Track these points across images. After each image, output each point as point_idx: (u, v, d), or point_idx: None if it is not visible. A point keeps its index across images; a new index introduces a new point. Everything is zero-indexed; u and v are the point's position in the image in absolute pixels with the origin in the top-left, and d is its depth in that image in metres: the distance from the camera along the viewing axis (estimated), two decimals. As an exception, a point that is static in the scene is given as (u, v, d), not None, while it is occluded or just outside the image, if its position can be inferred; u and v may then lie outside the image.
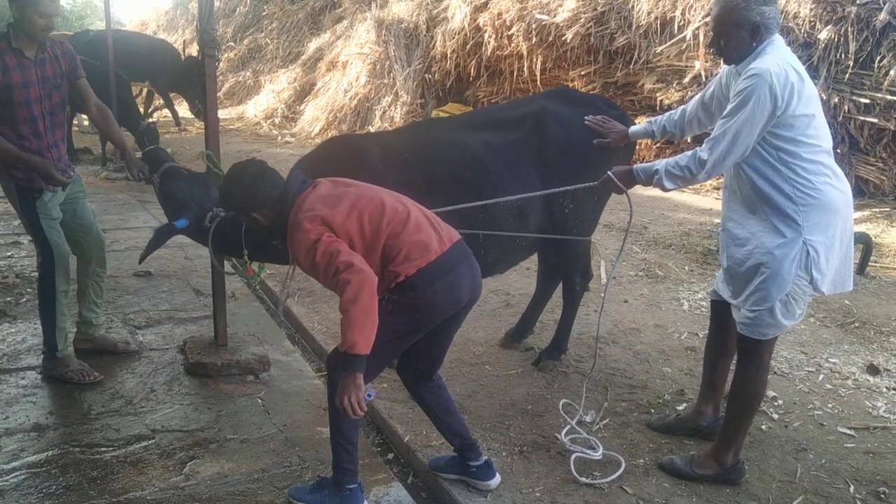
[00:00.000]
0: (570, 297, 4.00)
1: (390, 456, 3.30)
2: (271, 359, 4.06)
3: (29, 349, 4.05)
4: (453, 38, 11.79)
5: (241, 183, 2.61)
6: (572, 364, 4.02)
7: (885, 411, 3.58)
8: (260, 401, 3.66)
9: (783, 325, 2.77)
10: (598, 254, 4.24)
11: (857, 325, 4.72)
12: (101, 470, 3.00)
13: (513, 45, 10.89)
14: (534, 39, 10.44)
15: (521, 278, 5.30)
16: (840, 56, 7.81)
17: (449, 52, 11.91)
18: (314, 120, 13.06)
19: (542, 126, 3.62)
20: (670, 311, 4.91)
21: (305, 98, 14.21)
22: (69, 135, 8.66)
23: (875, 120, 7.76)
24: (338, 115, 12.80)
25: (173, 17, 23.68)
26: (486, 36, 11.24)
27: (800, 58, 2.78)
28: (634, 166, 2.99)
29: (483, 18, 11.26)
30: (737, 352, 2.95)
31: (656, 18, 9.15)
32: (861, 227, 6.58)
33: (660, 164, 2.86)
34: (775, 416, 3.50)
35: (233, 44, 18.08)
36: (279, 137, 12.85)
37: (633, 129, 3.53)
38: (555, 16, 10.11)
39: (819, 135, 2.69)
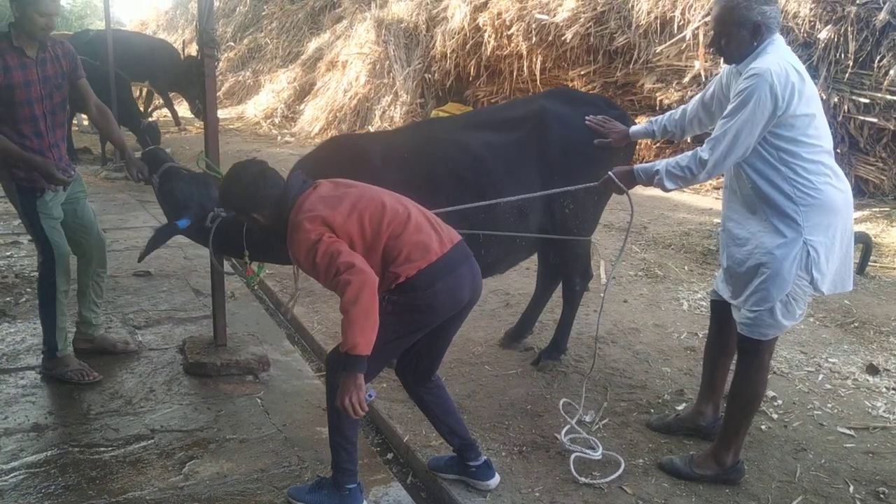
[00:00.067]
0: (569, 297, 3.99)
1: (389, 456, 3.30)
2: (271, 359, 4.06)
3: (28, 349, 4.05)
4: (453, 37, 11.79)
5: (242, 183, 2.61)
6: (572, 364, 4.01)
7: (884, 411, 3.58)
8: (259, 401, 3.66)
9: (783, 325, 2.77)
10: (597, 254, 4.24)
11: (856, 324, 4.72)
12: (101, 470, 3.00)
13: (512, 44, 10.89)
14: (533, 39, 10.45)
15: (521, 278, 5.30)
16: (840, 56, 7.81)
17: (448, 52, 11.92)
18: (314, 120, 13.07)
19: (543, 126, 3.62)
20: (670, 311, 4.91)
21: (305, 98, 14.21)
22: (69, 135, 8.65)
23: (875, 120, 7.76)
24: (337, 114, 12.80)
25: (173, 16, 23.69)
26: (486, 36, 11.25)
27: (800, 57, 2.77)
28: (635, 166, 2.99)
29: (483, 18, 11.27)
30: (737, 352, 2.94)
31: (656, 18, 9.15)
32: (861, 227, 6.58)
33: (660, 164, 2.86)
34: (775, 416, 3.50)
35: (232, 43, 18.08)
36: (279, 137, 12.86)
37: (633, 129, 3.53)
38: (554, 15, 10.11)
39: (820, 135, 2.68)
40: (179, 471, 3.02)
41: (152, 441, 3.23)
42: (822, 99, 3.02)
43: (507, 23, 10.78)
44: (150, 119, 9.88)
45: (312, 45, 15.52)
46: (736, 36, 2.70)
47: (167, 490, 2.88)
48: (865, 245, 5.73)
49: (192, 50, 12.65)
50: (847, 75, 7.80)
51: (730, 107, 2.67)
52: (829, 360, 4.17)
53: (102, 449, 3.15)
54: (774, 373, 3.90)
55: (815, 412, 3.56)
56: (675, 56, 9.07)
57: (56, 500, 2.80)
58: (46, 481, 2.90)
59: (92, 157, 10.00)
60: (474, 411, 3.48)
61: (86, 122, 12.14)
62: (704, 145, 2.73)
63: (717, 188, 8.53)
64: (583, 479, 2.92)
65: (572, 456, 3.01)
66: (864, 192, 7.98)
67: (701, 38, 8.66)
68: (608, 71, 10.08)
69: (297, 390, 3.81)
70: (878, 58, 7.67)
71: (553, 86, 10.18)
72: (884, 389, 3.82)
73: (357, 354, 2.35)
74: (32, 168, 3.43)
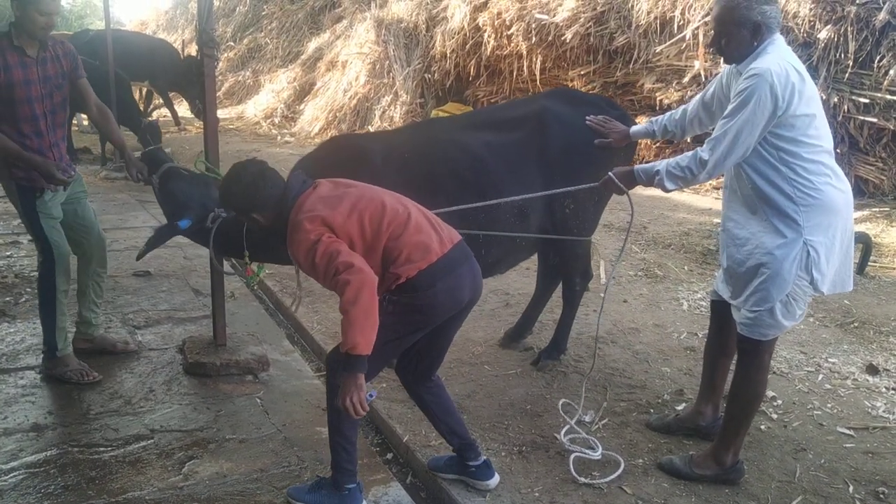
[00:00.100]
0: (569, 298, 3.99)
1: (389, 456, 3.30)
2: (270, 359, 4.06)
3: (28, 349, 4.05)
4: (453, 37, 11.79)
5: (242, 183, 2.61)
6: (571, 364, 4.01)
7: (884, 411, 3.58)
8: (259, 401, 3.66)
9: (783, 325, 2.77)
10: (598, 254, 4.24)
11: (856, 324, 4.72)
12: (100, 470, 2.99)
13: (512, 44, 10.89)
14: (533, 39, 10.45)
15: (521, 278, 5.30)
16: (839, 56, 7.81)
17: (448, 52, 11.91)
18: (314, 119, 13.07)
19: (544, 126, 3.62)
20: (669, 311, 4.91)
21: (305, 98, 14.21)
22: (69, 134, 8.65)
23: (874, 119, 7.76)
24: (337, 114, 12.80)
25: (173, 16, 23.68)
26: (486, 35, 11.25)
27: (799, 57, 2.78)
28: (635, 167, 2.99)
29: (482, 18, 11.26)
30: (737, 352, 2.94)
31: (656, 18, 9.15)
32: (861, 227, 6.58)
33: (661, 164, 2.86)
34: (774, 416, 3.50)
35: (232, 43, 18.08)
36: (279, 137, 12.86)
37: (634, 129, 3.53)
38: (554, 15, 10.11)
39: (820, 135, 2.68)
40: (179, 471, 3.01)
41: (152, 441, 3.23)
42: (821, 99, 3.01)
43: (507, 23, 10.78)
44: (150, 118, 9.87)
45: (312, 45, 15.52)
46: (736, 36, 2.70)
47: (167, 490, 2.88)
48: (865, 245, 5.73)
49: (192, 50, 12.66)
50: (847, 75, 7.80)
51: (730, 107, 2.67)
52: (829, 360, 4.17)
53: (102, 449, 3.15)
54: (774, 373, 3.90)
55: (815, 412, 3.56)
56: (674, 56, 9.07)
57: (55, 499, 2.80)
58: (46, 481, 2.90)
59: (92, 157, 10.00)
60: (474, 411, 3.48)
61: (85, 122, 12.14)
62: (705, 145, 2.72)
63: (717, 188, 8.53)
64: (582, 479, 2.92)
65: (572, 456, 3.01)
66: (863, 192, 7.98)
67: (701, 37, 8.66)
68: (608, 71, 10.08)
69: (297, 390, 3.81)
70: (878, 58, 7.67)
71: (553, 86, 10.18)
72: (883, 389, 3.82)
73: (357, 354, 2.35)
74: (32, 168, 3.43)
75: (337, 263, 2.37)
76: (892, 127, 7.71)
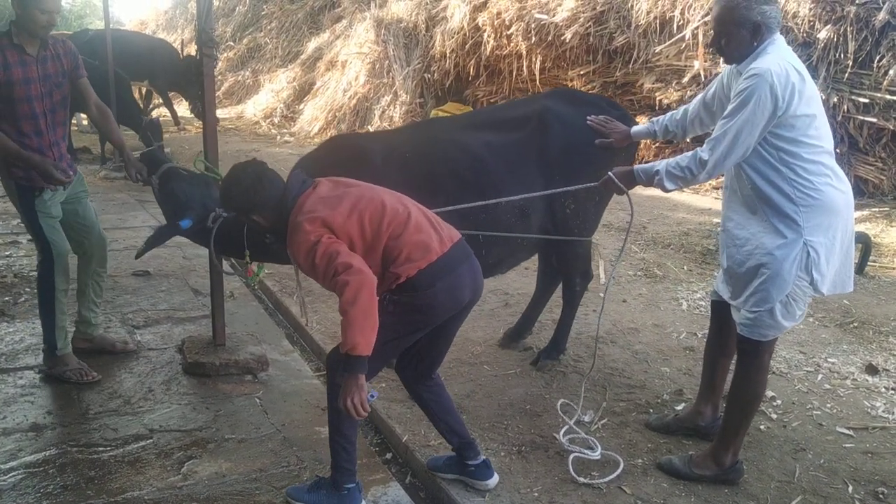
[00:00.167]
0: (569, 298, 3.99)
1: (388, 456, 3.30)
2: (270, 358, 4.06)
3: (27, 349, 4.05)
4: (452, 37, 11.79)
5: (241, 185, 2.61)
6: (571, 364, 4.01)
7: (883, 411, 3.58)
8: (258, 400, 3.66)
9: (783, 326, 2.77)
10: (598, 254, 4.24)
11: (855, 324, 4.72)
12: (99, 470, 2.99)
13: (512, 44, 10.89)
14: (533, 39, 10.44)
15: (520, 278, 5.30)
16: (839, 56, 7.81)
17: (448, 52, 11.91)
18: (313, 119, 13.07)
19: (545, 126, 3.62)
20: (669, 311, 4.91)
21: (304, 97, 14.21)
22: (68, 133, 8.65)
23: (874, 119, 7.76)
24: (337, 114, 12.80)
25: (172, 16, 23.67)
26: (486, 35, 11.24)
27: (799, 57, 2.77)
28: (635, 167, 2.99)
29: (482, 18, 11.26)
30: (737, 352, 2.94)
31: (655, 18, 9.15)
32: (860, 227, 6.57)
33: (660, 164, 2.85)
34: (774, 416, 3.50)
35: (232, 43, 18.08)
36: (278, 137, 12.86)
37: (635, 129, 3.53)
38: (554, 15, 10.11)
39: (820, 135, 2.68)
40: (178, 471, 3.01)
41: (151, 441, 3.22)
42: (821, 99, 3.00)
43: (507, 22, 10.78)
44: (151, 116, 9.86)
45: (312, 45, 15.52)
46: (736, 36, 2.70)
47: (166, 490, 2.88)
48: (865, 245, 5.73)
49: (192, 49, 12.66)
50: (846, 75, 7.80)
51: (730, 107, 2.67)
52: (829, 360, 4.17)
53: (101, 449, 3.15)
54: (773, 373, 3.90)
55: (815, 412, 3.56)
56: (674, 56, 9.07)
57: (54, 499, 2.80)
58: (45, 481, 2.90)
59: (91, 156, 10.00)
60: (473, 411, 3.48)
61: (85, 122, 12.14)
62: (704, 145, 2.72)
63: (717, 188, 8.53)
64: (581, 479, 2.92)
65: (571, 456, 3.01)
66: (863, 192, 7.98)
67: (700, 37, 8.66)
68: (608, 71, 10.07)
69: (296, 390, 3.80)
70: (878, 58, 7.67)
71: (552, 86, 10.18)
72: (883, 389, 3.82)
73: (357, 355, 2.35)
74: (31, 167, 3.43)
75: (336, 264, 2.37)
76: (891, 127, 7.71)
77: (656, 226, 7.12)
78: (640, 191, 3.20)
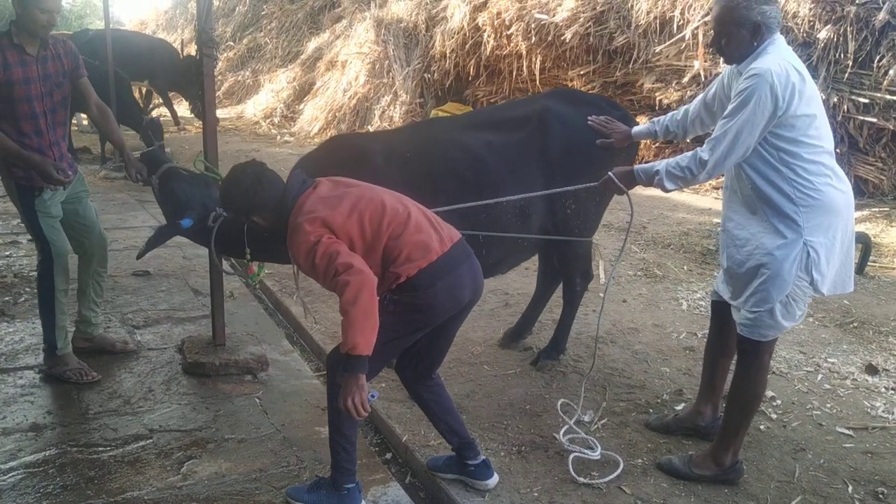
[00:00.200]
0: (570, 298, 3.99)
1: (388, 456, 3.30)
2: (269, 358, 4.06)
3: (27, 349, 4.05)
4: (452, 37, 11.79)
5: (241, 186, 2.61)
6: (571, 364, 4.01)
7: (883, 411, 3.58)
8: (258, 400, 3.66)
9: (783, 326, 2.77)
10: (598, 254, 4.23)
11: (855, 324, 4.72)
12: (99, 470, 2.99)
13: (512, 44, 10.89)
14: (533, 39, 10.44)
15: (520, 278, 5.30)
16: (839, 56, 7.81)
17: (448, 52, 11.91)
18: (313, 119, 13.07)
19: (546, 126, 3.61)
20: (669, 311, 4.91)
21: (304, 97, 14.21)
22: (69, 134, 8.65)
23: (874, 119, 7.76)
24: (337, 114, 12.80)
25: (172, 16, 23.68)
26: (485, 35, 11.24)
27: (799, 57, 2.77)
28: (635, 167, 2.98)
29: (482, 18, 11.26)
30: (737, 353, 2.94)
31: (655, 18, 9.15)
32: (860, 227, 6.58)
33: (660, 164, 2.85)
34: (774, 416, 3.50)
35: (232, 43, 18.08)
36: (278, 137, 12.86)
37: (636, 129, 3.52)
38: (554, 15, 10.11)
39: (820, 135, 2.68)
40: (178, 470, 3.01)
41: (151, 441, 3.22)
42: (821, 99, 3.00)
43: (507, 22, 10.78)
44: (151, 115, 9.87)
45: (312, 45, 15.52)
46: (736, 36, 2.70)
47: (165, 490, 2.88)
48: (865, 245, 5.73)
49: (192, 49, 12.66)
50: (846, 75, 7.80)
51: (730, 107, 2.66)
52: (829, 360, 4.17)
53: (101, 449, 3.15)
54: (773, 373, 3.90)
55: (814, 412, 3.56)
56: (674, 56, 9.07)
57: (54, 499, 2.80)
58: (45, 481, 2.90)
59: (91, 156, 10.00)
60: (473, 411, 3.48)
61: (85, 122, 12.14)
62: (705, 145, 2.72)
63: (717, 188, 8.53)
64: (581, 479, 2.92)
65: (571, 456, 3.01)
66: (863, 192, 7.98)
67: (700, 37, 8.66)
68: (608, 71, 10.08)
69: (296, 390, 3.80)
70: (878, 58, 7.67)
71: (552, 86, 10.18)
72: (883, 389, 3.82)
73: (358, 355, 2.34)
74: (29, 167, 3.43)
75: (336, 264, 2.37)
76: (891, 127, 7.71)
77: (656, 226, 7.12)
78: (640, 191, 3.20)
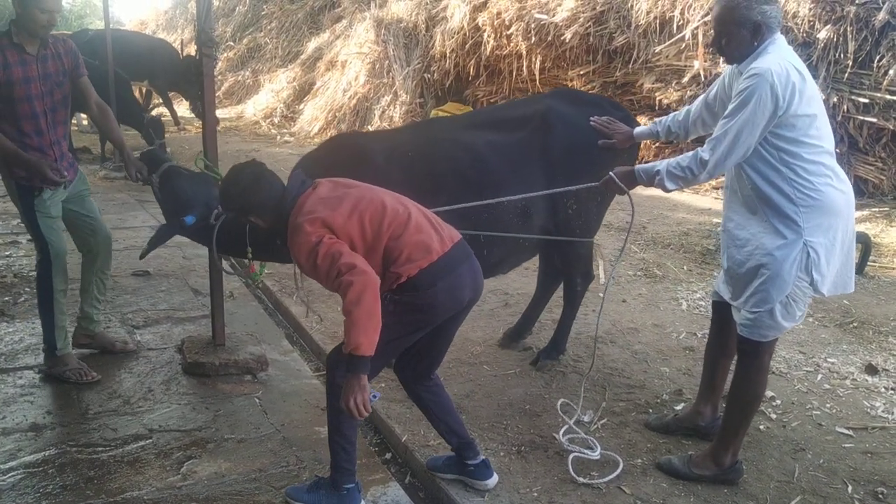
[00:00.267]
0: (570, 298, 3.99)
1: (388, 456, 3.30)
2: (269, 358, 4.05)
3: (27, 349, 4.05)
4: (452, 37, 11.78)
5: (239, 186, 2.61)
6: (570, 364, 4.01)
7: (883, 411, 3.58)
8: (258, 400, 3.66)
9: (783, 326, 2.77)
10: (599, 254, 4.23)
11: (855, 324, 4.72)
12: (99, 470, 2.99)
13: (512, 44, 10.88)
14: (533, 39, 10.44)
15: (520, 278, 5.30)
16: (839, 56, 7.81)
17: (448, 52, 11.91)
18: (313, 119, 13.07)
19: (548, 126, 3.61)
20: (668, 311, 4.91)
21: (304, 97, 14.21)
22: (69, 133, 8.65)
23: (874, 119, 7.76)
24: (337, 114, 12.80)
25: (172, 16, 23.68)
26: (485, 35, 11.24)
27: (799, 57, 2.77)
28: (636, 167, 2.98)
29: (482, 18, 11.26)
30: (737, 353, 2.94)
31: (655, 18, 9.14)
32: (860, 227, 6.57)
33: (661, 164, 2.85)
34: (773, 416, 3.50)
35: (232, 43, 18.08)
36: (278, 137, 12.86)
37: (637, 130, 3.52)
38: (554, 15, 10.11)
39: (821, 135, 2.68)
40: (177, 470, 3.01)
41: (150, 441, 3.22)
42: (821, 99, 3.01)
43: (507, 22, 10.77)
44: (152, 112, 9.87)
45: (312, 45, 15.52)
46: (736, 36, 2.70)
47: (165, 490, 2.88)
48: (865, 245, 5.73)
49: (191, 49, 12.65)
50: (846, 75, 7.80)
51: (730, 107, 2.66)
52: (828, 359, 4.17)
53: (101, 449, 3.15)
54: (773, 373, 3.90)
55: (814, 412, 3.56)
56: (674, 56, 9.07)
57: (54, 499, 2.80)
58: (44, 481, 2.90)
59: (91, 156, 10.00)
60: (473, 411, 3.48)
61: (85, 122, 12.13)
62: (705, 145, 2.72)
63: (717, 188, 8.53)
64: (581, 479, 2.92)
65: (570, 456, 3.01)
66: (863, 191, 7.97)
67: (700, 37, 8.66)
68: (607, 71, 10.07)
69: (296, 390, 3.80)
70: (878, 58, 7.67)
71: (552, 85, 10.18)
72: (882, 389, 3.82)
73: (360, 356, 2.34)
74: (26, 167, 3.42)
75: (339, 265, 2.37)
76: (891, 127, 7.70)
77: (656, 226, 7.12)
78: (640, 191, 3.20)
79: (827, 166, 2.68)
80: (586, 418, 3.40)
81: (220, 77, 16.48)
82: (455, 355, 4.00)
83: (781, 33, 2.75)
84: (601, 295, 3.90)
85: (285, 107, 14.38)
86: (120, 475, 2.96)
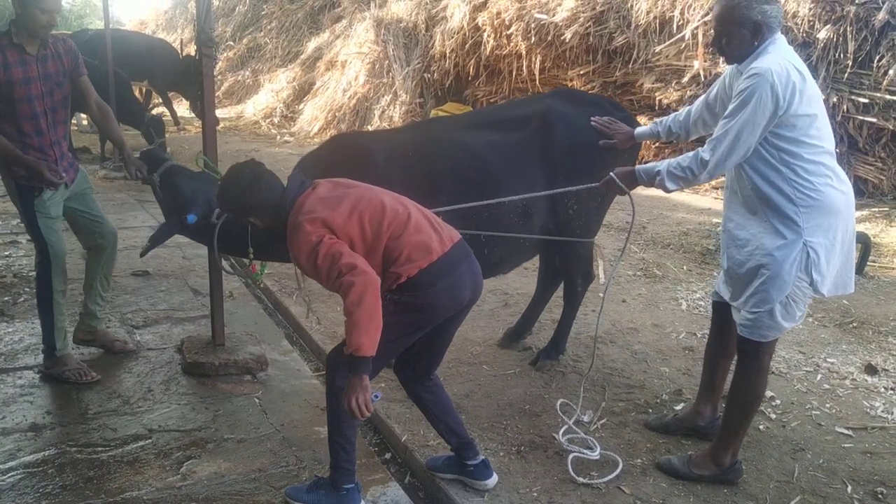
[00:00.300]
0: (570, 298, 3.99)
1: (387, 456, 3.30)
2: (269, 358, 4.05)
3: (26, 349, 4.05)
4: (452, 37, 11.78)
5: (238, 186, 2.61)
6: (570, 364, 4.01)
7: (882, 411, 3.58)
8: (257, 400, 3.66)
9: (783, 326, 2.77)
10: (599, 254, 4.23)
11: (855, 324, 4.72)
12: (98, 470, 2.99)
13: (512, 44, 10.88)
14: (533, 39, 10.44)
15: (520, 278, 5.30)
16: (839, 56, 7.81)
17: (448, 52, 11.91)
18: (313, 119, 13.07)
19: (549, 126, 3.61)
20: (668, 311, 4.91)
21: (304, 97, 14.21)
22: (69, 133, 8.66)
23: (874, 119, 7.76)
24: (336, 114, 12.80)
25: (172, 16, 23.68)
26: (485, 35, 11.24)
27: (798, 57, 2.77)
28: (636, 167, 2.98)
29: (482, 18, 11.26)
30: (737, 353, 2.94)
31: (655, 18, 9.14)
32: (860, 227, 6.56)
33: (662, 164, 2.85)
34: (773, 416, 3.50)
35: (232, 43, 18.08)
36: (278, 137, 12.86)
37: (638, 130, 3.52)
38: (554, 15, 10.11)
39: (821, 135, 2.67)
40: (177, 470, 3.01)
41: (150, 441, 3.22)
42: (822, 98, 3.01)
43: (507, 22, 10.77)
44: (152, 111, 9.87)
45: (312, 45, 15.52)
46: (737, 35, 2.69)
47: (165, 490, 2.88)
48: (864, 245, 5.73)
49: (191, 49, 12.65)
50: (846, 75, 7.80)
51: (731, 107, 2.66)
52: (828, 359, 4.17)
53: (100, 449, 3.15)
54: (773, 373, 3.90)
55: (814, 412, 3.56)
56: (674, 56, 9.07)
57: (53, 499, 2.80)
58: (44, 481, 2.90)
59: (91, 156, 10.00)
60: (472, 411, 3.48)
61: (85, 122, 12.13)
62: (706, 145, 2.72)
63: (717, 188, 8.53)
64: (581, 479, 2.92)
65: (570, 456, 3.01)
66: (863, 191, 7.97)
67: (700, 37, 8.66)
68: (607, 70, 10.07)
69: (296, 390, 3.80)
70: (878, 58, 7.67)
71: (552, 85, 10.17)
72: (882, 389, 3.82)
73: (362, 356, 2.34)
74: (24, 167, 3.42)
75: (340, 265, 2.37)
76: (891, 127, 7.70)
77: (656, 226, 7.12)
78: (640, 191, 3.20)
79: (827, 166, 2.68)
80: (586, 418, 3.40)
81: (219, 77, 16.48)
82: (455, 355, 4.00)
83: (781, 33, 2.75)
84: (601, 295, 3.90)
85: (285, 107, 14.38)
86: (119, 475, 2.96)
